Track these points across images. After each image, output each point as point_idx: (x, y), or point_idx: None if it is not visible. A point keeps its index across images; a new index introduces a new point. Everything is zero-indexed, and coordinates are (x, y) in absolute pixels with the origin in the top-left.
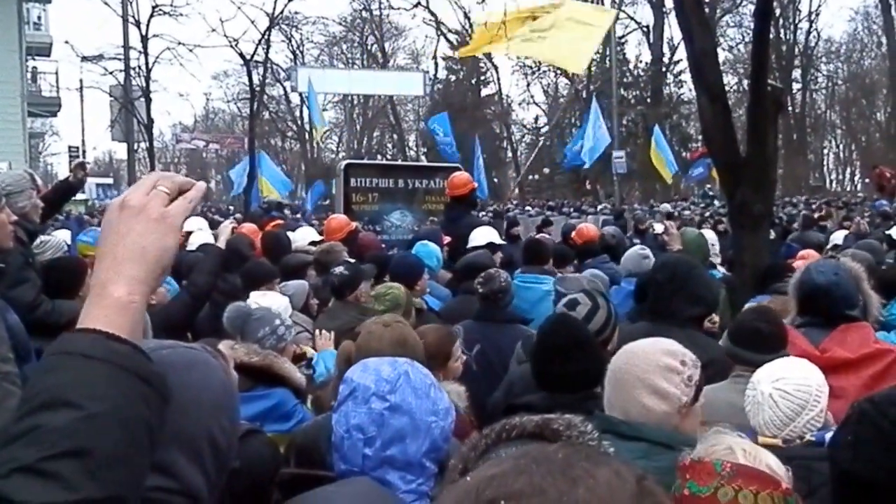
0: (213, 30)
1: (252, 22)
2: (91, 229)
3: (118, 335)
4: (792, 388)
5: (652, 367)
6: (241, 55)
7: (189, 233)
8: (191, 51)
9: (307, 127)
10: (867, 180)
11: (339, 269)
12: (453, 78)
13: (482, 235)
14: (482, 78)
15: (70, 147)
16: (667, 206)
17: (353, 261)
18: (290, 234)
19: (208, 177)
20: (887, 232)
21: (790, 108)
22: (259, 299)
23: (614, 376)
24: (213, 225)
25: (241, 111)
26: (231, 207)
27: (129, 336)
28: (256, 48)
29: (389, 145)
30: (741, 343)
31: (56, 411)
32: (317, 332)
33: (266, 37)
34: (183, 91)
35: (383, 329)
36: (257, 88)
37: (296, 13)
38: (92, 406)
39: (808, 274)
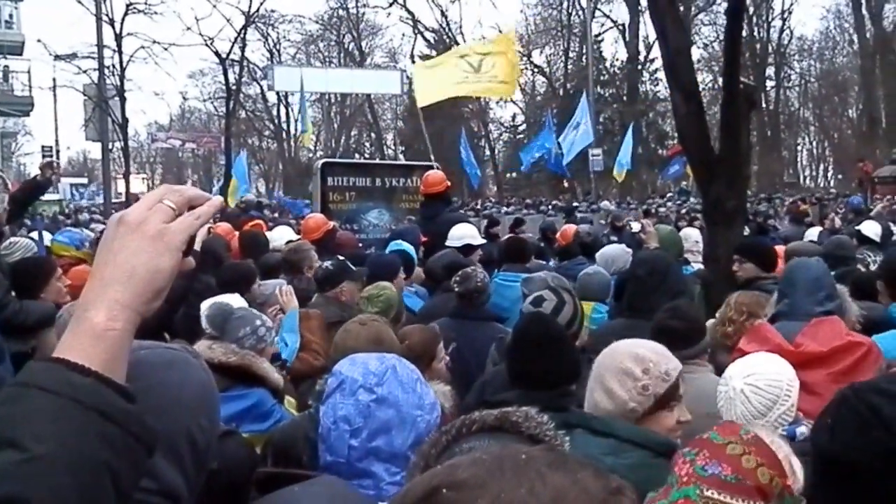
0: (189, 28)
1: (228, 20)
2: (66, 230)
3: (83, 366)
4: (763, 384)
5: (612, 366)
6: (217, 54)
7: None
8: (166, 49)
9: (284, 126)
10: (840, 176)
11: (326, 264)
12: None
13: (461, 233)
14: None
15: (43, 147)
16: (608, 204)
17: (342, 258)
18: (267, 233)
19: (184, 176)
20: (856, 227)
21: (764, 106)
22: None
23: (594, 367)
24: None
25: (217, 110)
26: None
27: (103, 367)
28: (232, 47)
29: (367, 144)
30: (662, 343)
31: None
32: (277, 289)
33: (242, 35)
34: (158, 90)
35: (360, 328)
36: (233, 87)
37: (272, 11)
38: (37, 447)
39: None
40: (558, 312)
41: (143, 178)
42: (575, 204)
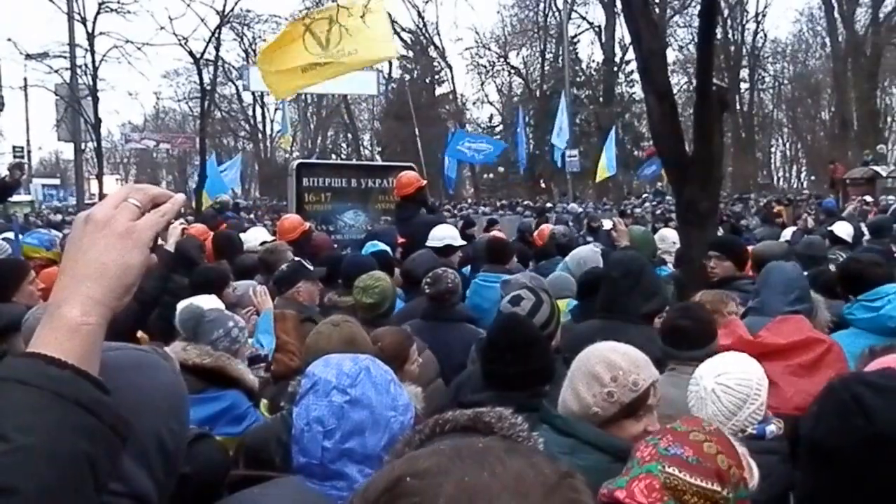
0: (162, 28)
1: (202, 20)
2: (36, 231)
3: (60, 359)
4: (733, 383)
5: (584, 369)
6: (191, 53)
7: None
8: (139, 49)
9: (260, 127)
10: (813, 178)
11: (283, 266)
12: (407, 77)
13: (442, 234)
14: (436, 77)
15: (14, 147)
16: (575, 206)
17: (298, 259)
18: (241, 234)
19: (159, 177)
20: (829, 228)
21: (738, 108)
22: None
23: (571, 365)
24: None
25: (192, 110)
26: (183, 209)
27: (79, 361)
28: (207, 46)
29: (344, 145)
30: (669, 341)
31: None
32: (251, 289)
33: (217, 35)
34: (132, 90)
35: (332, 328)
36: (208, 87)
37: (247, 11)
38: (21, 438)
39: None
40: (536, 312)
41: (116, 179)
42: (549, 205)
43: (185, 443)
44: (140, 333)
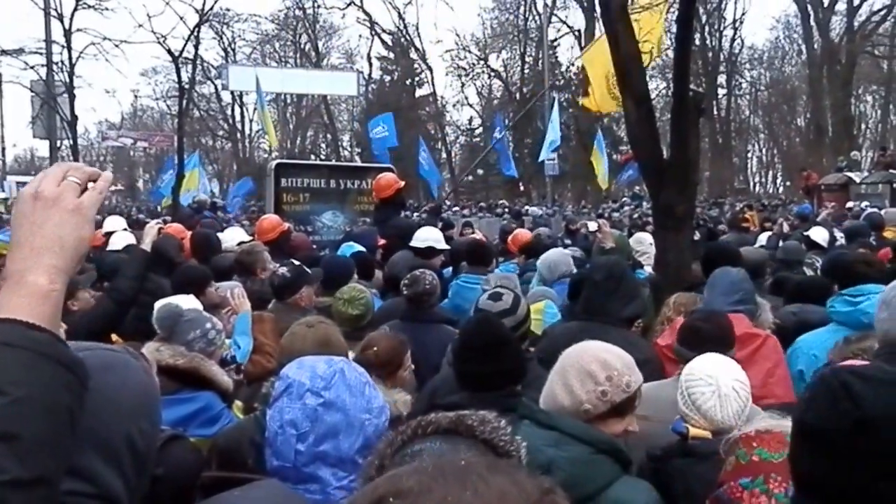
0: (140, 25)
1: (181, 18)
2: (7, 229)
3: (37, 324)
4: (742, 378)
5: (578, 365)
6: (170, 52)
7: (110, 233)
8: (117, 46)
9: (238, 126)
10: (788, 183)
11: (282, 270)
12: (388, 78)
13: (426, 236)
14: (416, 79)
15: None
16: (535, 210)
17: (297, 262)
18: (219, 234)
19: (136, 176)
20: (805, 233)
21: (716, 113)
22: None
23: (559, 360)
24: (143, 225)
25: (170, 109)
26: (160, 208)
27: (50, 324)
28: (185, 45)
29: (323, 145)
30: (685, 342)
31: None
32: (228, 291)
33: (196, 33)
34: (109, 87)
35: (307, 330)
36: (186, 86)
37: (226, 10)
38: (17, 391)
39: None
40: (516, 308)
41: None
42: (527, 208)
43: (156, 444)
44: (114, 337)
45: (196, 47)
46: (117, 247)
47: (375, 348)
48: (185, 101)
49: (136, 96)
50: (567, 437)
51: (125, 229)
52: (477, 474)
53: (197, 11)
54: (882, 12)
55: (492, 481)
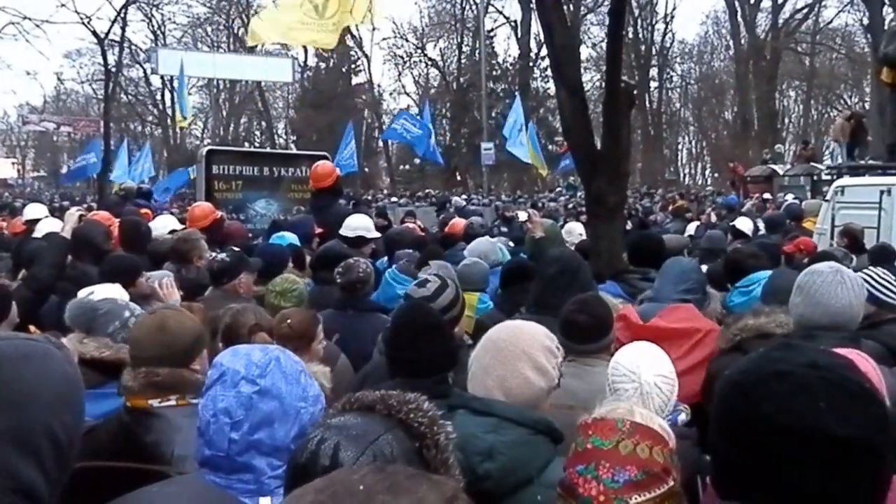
0: (63, 5)
1: None
2: None
3: None
4: (667, 373)
5: (537, 344)
6: (95, 33)
7: (34, 221)
8: (38, 26)
9: (169, 111)
10: (716, 174)
11: (221, 256)
12: (323, 65)
13: (356, 224)
14: (353, 66)
15: None
16: (458, 200)
17: (237, 249)
18: (150, 222)
19: (59, 161)
20: (731, 223)
21: (648, 105)
22: (93, 294)
23: (496, 346)
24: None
25: (96, 93)
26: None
27: None
28: (111, 26)
29: (258, 133)
30: (567, 334)
31: None
32: (157, 281)
33: (122, 15)
34: (30, 69)
35: (147, 317)
36: (113, 69)
37: None
38: None
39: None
40: (440, 294)
41: (13, 163)
42: (455, 199)
43: (79, 436)
44: (32, 328)
45: (123, 29)
46: (40, 234)
47: (289, 321)
48: (111, 85)
49: (59, 79)
50: (505, 422)
51: (46, 216)
52: (381, 502)
53: None
54: (804, 10)
55: None
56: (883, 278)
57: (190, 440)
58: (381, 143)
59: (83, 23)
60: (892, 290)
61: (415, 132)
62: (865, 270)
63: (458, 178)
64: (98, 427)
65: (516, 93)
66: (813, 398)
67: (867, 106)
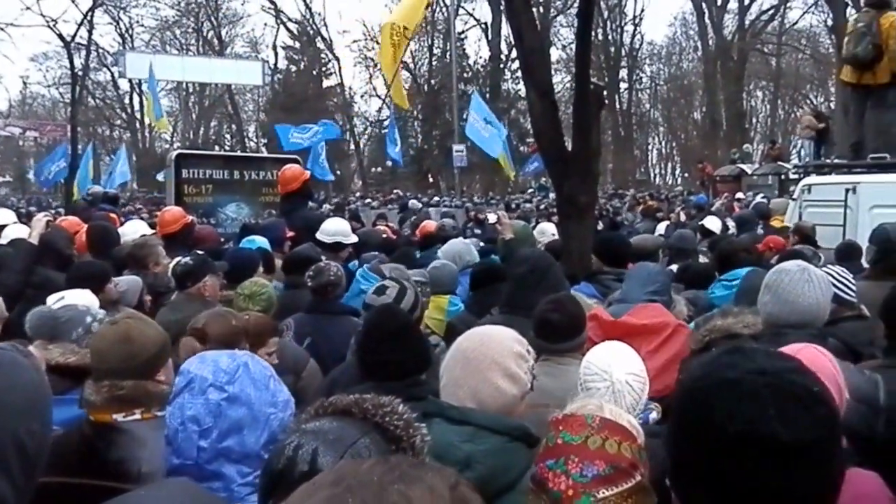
0: (28, 8)
1: (73, 1)
2: None
3: None
4: (638, 371)
5: (507, 351)
6: (61, 36)
7: (1, 227)
8: (2, 30)
9: (137, 115)
10: (686, 174)
11: (184, 259)
12: (294, 68)
13: (334, 229)
14: (324, 69)
15: None
16: (415, 203)
17: (201, 252)
18: (119, 227)
19: (25, 166)
20: (700, 222)
21: (618, 107)
22: (55, 303)
23: (464, 356)
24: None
25: (62, 97)
26: (56, 202)
27: None
28: (78, 29)
29: (228, 136)
30: (540, 334)
31: None
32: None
33: (89, 17)
34: None
35: (108, 327)
36: (80, 73)
37: None
38: None
39: None
40: (401, 298)
41: None
42: (412, 202)
43: (48, 444)
44: None
45: (90, 32)
46: (6, 241)
47: (247, 318)
48: (78, 89)
49: (25, 83)
50: (481, 430)
51: (14, 222)
52: (397, 493)
53: None
54: (770, 11)
55: (413, 496)
56: (842, 276)
57: (157, 455)
58: (352, 146)
59: (49, 26)
60: (850, 288)
61: (315, 131)
62: (826, 268)
63: (430, 180)
64: (60, 441)
65: (472, 94)
66: (761, 405)
67: (832, 106)
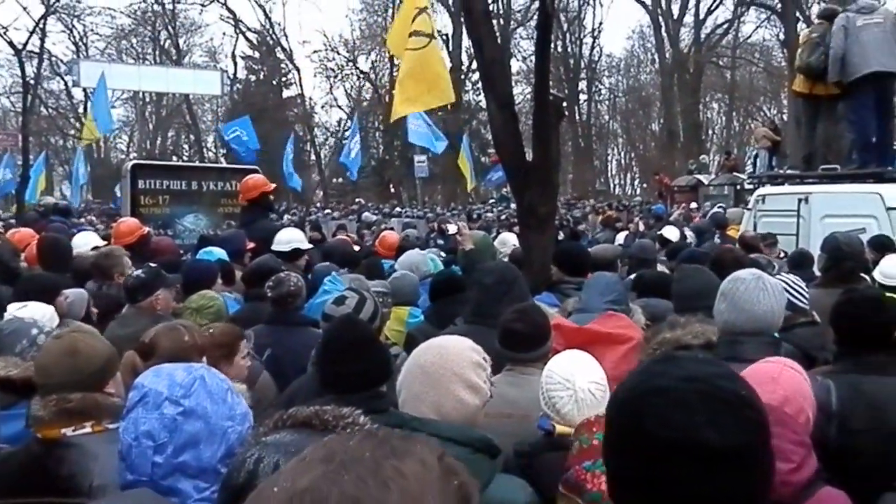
0: None
1: (24, 9)
2: None
3: None
4: (599, 379)
5: (465, 362)
6: (12, 44)
7: None
8: None
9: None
10: (645, 185)
11: (136, 272)
12: (253, 78)
13: (289, 237)
14: (284, 79)
15: None
16: (369, 216)
17: (154, 265)
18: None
19: None
20: (659, 232)
21: (578, 118)
22: (17, 311)
23: (423, 370)
24: None
25: (14, 105)
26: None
27: None
28: (30, 37)
29: (186, 146)
30: (505, 344)
31: None
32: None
33: (41, 25)
34: None
35: (53, 342)
36: (32, 81)
37: (77, 2)
38: None
39: None
40: (361, 308)
41: None
42: (365, 214)
43: None
44: None
45: (42, 40)
46: None
47: (212, 330)
48: (30, 98)
49: None
50: (445, 442)
51: None
52: (391, 467)
53: (42, 2)
54: (724, 25)
55: (406, 470)
56: (796, 284)
57: (109, 468)
58: (313, 157)
59: None
60: (803, 295)
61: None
62: (780, 276)
63: (392, 190)
64: (8, 461)
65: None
66: (690, 412)
67: (785, 118)
